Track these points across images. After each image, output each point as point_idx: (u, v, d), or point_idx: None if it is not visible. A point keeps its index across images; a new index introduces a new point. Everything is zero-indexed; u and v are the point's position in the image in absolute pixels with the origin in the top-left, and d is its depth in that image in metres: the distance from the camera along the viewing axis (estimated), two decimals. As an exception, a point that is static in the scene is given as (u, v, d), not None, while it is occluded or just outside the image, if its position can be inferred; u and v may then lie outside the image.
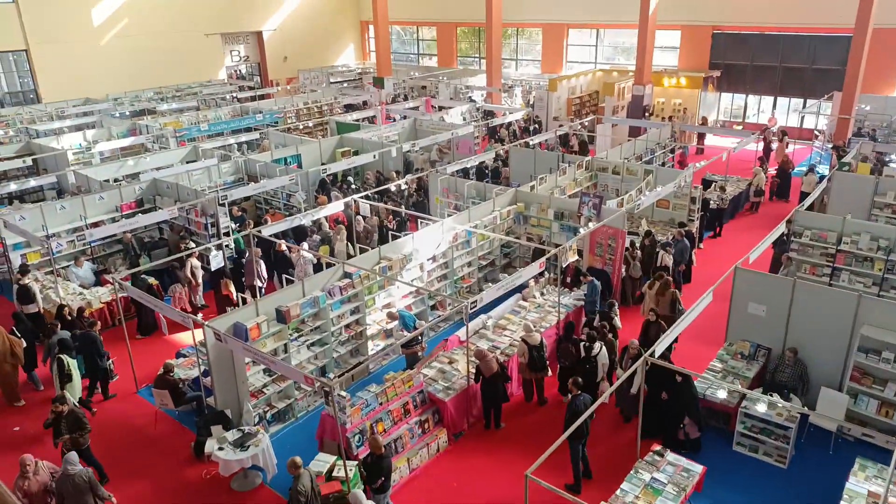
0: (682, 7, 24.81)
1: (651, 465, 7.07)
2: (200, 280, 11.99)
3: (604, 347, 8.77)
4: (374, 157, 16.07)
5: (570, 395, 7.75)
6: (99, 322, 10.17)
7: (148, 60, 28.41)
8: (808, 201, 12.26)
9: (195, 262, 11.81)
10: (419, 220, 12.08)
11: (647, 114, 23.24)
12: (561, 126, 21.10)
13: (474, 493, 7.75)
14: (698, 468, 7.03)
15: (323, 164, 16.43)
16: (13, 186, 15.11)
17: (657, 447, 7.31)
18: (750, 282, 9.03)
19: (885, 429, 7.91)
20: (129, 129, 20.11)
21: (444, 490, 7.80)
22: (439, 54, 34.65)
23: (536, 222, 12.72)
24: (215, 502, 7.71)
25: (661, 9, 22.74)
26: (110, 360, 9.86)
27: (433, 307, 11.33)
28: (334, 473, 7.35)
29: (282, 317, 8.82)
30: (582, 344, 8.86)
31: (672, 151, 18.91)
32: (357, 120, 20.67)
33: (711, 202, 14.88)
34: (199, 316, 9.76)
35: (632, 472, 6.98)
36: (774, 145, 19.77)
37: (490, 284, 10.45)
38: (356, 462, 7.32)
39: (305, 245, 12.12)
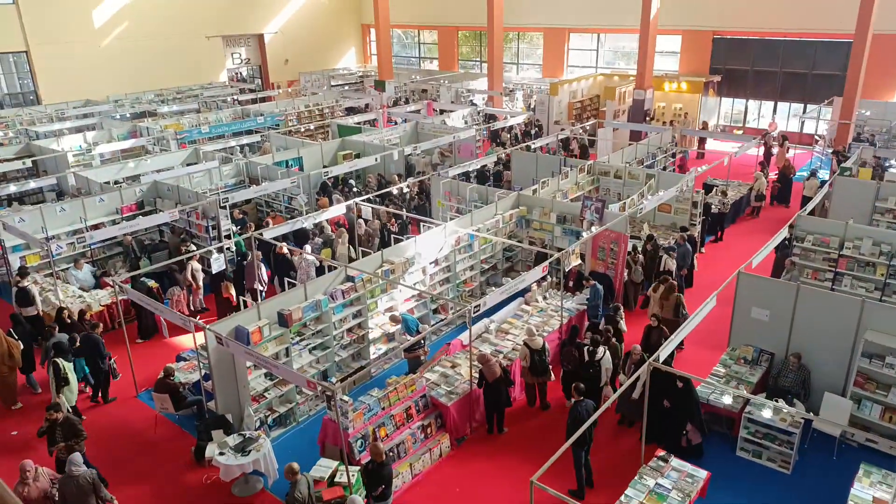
0: (683, 12, 24.87)
1: (655, 470, 7.04)
2: (201, 283, 11.94)
3: (607, 352, 8.74)
4: (376, 160, 16.05)
5: (572, 400, 7.71)
6: (101, 324, 10.12)
7: (149, 62, 28.35)
8: (809, 206, 12.26)
9: (196, 264, 11.77)
10: (421, 224, 12.06)
11: (647, 118, 23.26)
12: (563, 130, 21.11)
13: (477, 498, 7.71)
14: (703, 474, 7.00)
15: (325, 166, 16.41)
16: (13, 188, 15.08)
17: (661, 452, 7.28)
18: (753, 286, 9.03)
19: (888, 434, 7.88)
20: (130, 132, 20.08)
21: (447, 495, 7.75)
22: (440, 58, 34.68)
23: (539, 226, 12.70)
24: (216, 507, 7.66)
25: (661, 14, 22.78)
26: (112, 360, 9.81)
27: (435, 311, 11.29)
28: (336, 479, 7.30)
29: (284, 320, 8.78)
30: (585, 348, 8.82)
31: (673, 156, 18.92)
32: (358, 123, 20.66)
33: (713, 206, 14.88)
34: (201, 320, 9.71)
35: (636, 477, 6.95)
36: (775, 150, 19.79)
37: (493, 288, 10.41)
38: (358, 467, 7.27)
39: (308, 248, 12.08)
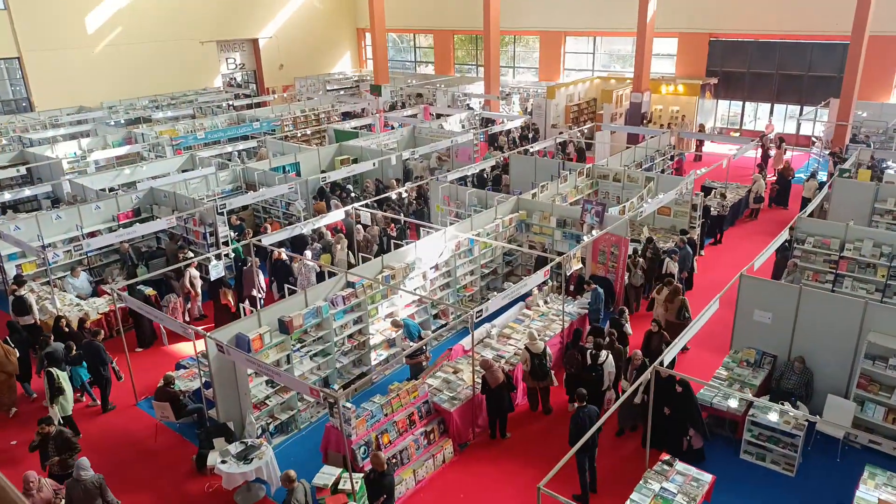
0: (680, 14, 24.95)
1: (660, 474, 7.00)
2: (199, 290, 11.85)
3: (610, 356, 8.70)
4: (374, 164, 16.01)
5: (574, 405, 7.68)
6: (103, 331, 10.01)
7: (142, 68, 28.22)
8: (809, 207, 12.27)
9: (194, 271, 11.68)
10: (420, 229, 12.01)
11: (645, 121, 23.31)
12: (561, 133, 21.12)
13: (481, 503, 7.64)
14: (708, 477, 6.97)
15: (323, 171, 16.36)
16: (7, 196, 14.96)
17: (666, 456, 7.24)
18: (755, 289, 9.00)
19: (891, 436, 7.84)
20: (125, 138, 19.97)
21: (451, 501, 7.70)
22: (436, 62, 34.69)
23: (539, 230, 12.67)
24: (218, 517, 7.58)
25: (658, 16, 22.85)
26: (113, 361, 9.74)
27: (436, 316, 11.24)
28: (340, 486, 7.23)
29: (284, 327, 8.71)
30: (588, 351, 8.79)
31: (671, 158, 18.95)
32: (355, 128, 20.63)
33: (712, 209, 14.89)
34: (200, 327, 9.63)
35: (641, 482, 6.91)
36: (772, 152, 19.85)
37: (495, 293, 10.37)
38: (362, 474, 7.21)
39: (308, 254, 12.01)
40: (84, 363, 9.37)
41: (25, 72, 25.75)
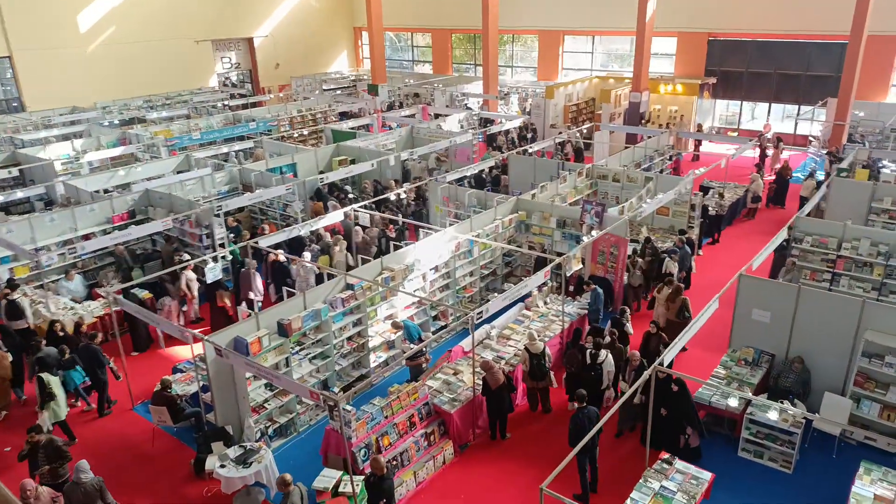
0: (679, 14, 24.93)
1: (660, 473, 7.02)
2: (196, 293, 11.78)
3: (609, 355, 8.70)
4: (372, 165, 15.94)
5: (574, 405, 7.67)
6: (100, 334, 9.92)
7: (136, 68, 27.92)
8: (807, 207, 12.29)
9: (190, 274, 11.60)
10: (419, 230, 11.97)
11: (643, 121, 23.31)
12: (560, 133, 21.10)
13: (482, 505, 7.64)
14: (707, 475, 6.99)
15: (321, 172, 16.29)
16: (-1, 198, 14.82)
17: (665, 455, 7.25)
18: (754, 288, 9.03)
19: (887, 432, 7.98)
20: (119, 139, 19.80)
21: (452, 502, 7.68)
22: (434, 61, 34.60)
23: (538, 230, 12.64)
24: (217, 521, 7.54)
25: (657, 16, 22.85)
26: (111, 362, 9.68)
27: (435, 317, 11.20)
28: (340, 489, 7.20)
29: (283, 330, 8.66)
30: (588, 351, 8.78)
31: (670, 158, 18.96)
32: (353, 128, 20.55)
33: (710, 209, 14.90)
34: (196, 330, 9.57)
35: (641, 480, 6.92)
36: (770, 152, 19.88)
37: (495, 295, 10.34)
38: (363, 477, 7.18)
39: (307, 256, 11.96)
40: (78, 367, 9.28)
41: (16, 71, 25.35)
